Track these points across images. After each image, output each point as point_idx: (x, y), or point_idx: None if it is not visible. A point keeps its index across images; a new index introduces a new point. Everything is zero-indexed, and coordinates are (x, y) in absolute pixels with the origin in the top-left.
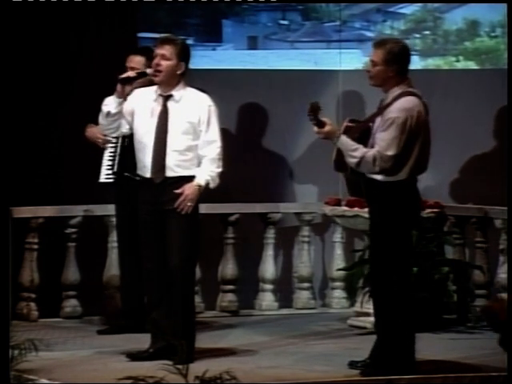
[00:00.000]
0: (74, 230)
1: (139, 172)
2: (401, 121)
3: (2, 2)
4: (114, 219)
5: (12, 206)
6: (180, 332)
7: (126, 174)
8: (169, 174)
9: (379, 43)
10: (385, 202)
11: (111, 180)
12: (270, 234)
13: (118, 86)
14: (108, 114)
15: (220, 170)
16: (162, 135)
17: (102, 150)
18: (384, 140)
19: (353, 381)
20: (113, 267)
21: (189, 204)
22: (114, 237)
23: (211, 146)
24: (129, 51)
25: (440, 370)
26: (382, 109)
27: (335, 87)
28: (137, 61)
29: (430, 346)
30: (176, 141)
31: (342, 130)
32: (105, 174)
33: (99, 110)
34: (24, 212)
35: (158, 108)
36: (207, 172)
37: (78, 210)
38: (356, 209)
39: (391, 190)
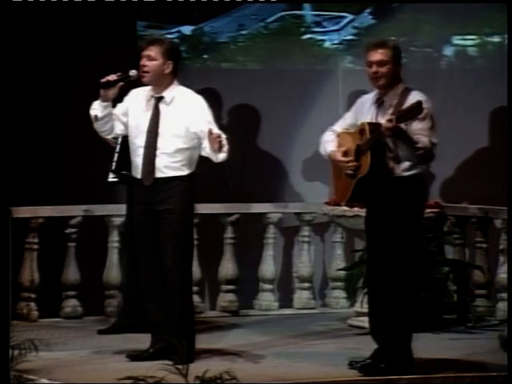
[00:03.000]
0: (74, 230)
1: (133, 173)
2: (431, 110)
3: (1, 2)
4: (114, 219)
5: (12, 205)
6: (179, 332)
7: (124, 172)
8: (158, 175)
9: (381, 43)
10: (398, 199)
11: (115, 179)
12: (270, 234)
13: (101, 91)
14: (95, 118)
15: (228, 147)
16: (152, 137)
17: (101, 150)
18: (425, 129)
19: (353, 381)
20: (113, 267)
21: (222, 140)
22: (114, 237)
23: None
24: (135, 49)
25: (440, 369)
26: (396, 107)
27: (335, 87)
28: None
29: (430, 346)
30: (166, 143)
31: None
32: (111, 174)
33: None
34: (24, 212)
35: (150, 110)
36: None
37: (78, 210)
38: (356, 209)
39: (407, 185)
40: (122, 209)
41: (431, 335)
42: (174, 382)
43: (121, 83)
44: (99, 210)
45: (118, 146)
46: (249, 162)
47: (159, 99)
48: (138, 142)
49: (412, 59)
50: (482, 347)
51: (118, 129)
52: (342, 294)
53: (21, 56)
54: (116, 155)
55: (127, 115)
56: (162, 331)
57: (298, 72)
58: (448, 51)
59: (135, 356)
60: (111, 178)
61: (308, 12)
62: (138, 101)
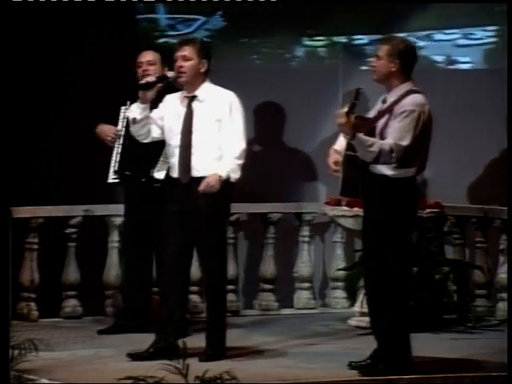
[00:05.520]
0: (74, 230)
1: (170, 173)
2: (416, 114)
3: (1, 2)
4: (114, 219)
5: (12, 205)
6: (217, 327)
7: (127, 172)
8: (195, 174)
9: (385, 39)
10: (389, 199)
11: (116, 180)
12: (270, 234)
13: (140, 93)
14: (134, 120)
15: (241, 162)
16: (187, 136)
17: (102, 150)
18: (399, 131)
19: (353, 381)
20: (113, 267)
21: (212, 190)
22: (114, 237)
23: (233, 139)
24: (135, 49)
25: (440, 369)
26: (390, 106)
27: (336, 87)
28: (154, 56)
29: (430, 346)
30: (202, 141)
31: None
32: (111, 175)
33: (99, 109)
34: (24, 212)
35: (184, 110)
36: (228, 164)
37: (78, 210)
38: (356, 209)
39: (398, 187)
40: (121, 209)
41: (431, 335)
42: (174, 382)
43: (159, 84)
44: (99, 209)
45: (121, 147)
46: (249, 161)
47: (192, 98)
48: (174, 143)
49: (265, 60)
50: (482, 347)
51: (155, 133)
52: (342, 294)
53: (21, 56)
54: (118, 156)
55: (163, 119)
56: (167, 332)
57: (299, 71)
58: (299, 52)
59: (135, 355)
60: (112, 178)
61: (162, 15)
62: (172, 104)
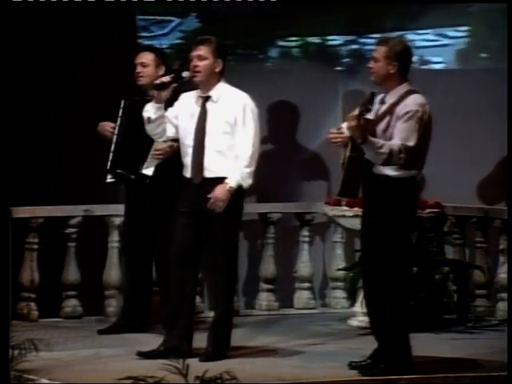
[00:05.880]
0: (74, 229)
1: (183, 172)
2: (419, 114)
3: (1, 2)
4: (114, 219)
5: (12, 205)
6: (223, 327)
7: (119, 170)
8: (207, 174)
9: (382, 40)
10: (390, 199)
11: (113, 179)
12: (270, 234)
13: (155, 92)
14: (148, 120)
15: (252, 169)
16: (200, 136)
17: (102, 150)
18: (405, 131)
19: (353, 381)
20: (113, 267)
21: (220, 205)
22: (114, 237)
23: (245, 145)
24: (134, 49)
25: (440, 369)
26: (391, 107)
27: (336, 87)
28: (147, 57)
29: (430, 346)
30: (215, 141)
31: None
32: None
33: (99, 109)
34: (24, 212)
35: (198, 109)
36: (238, 173)
37: (78, 210)
38: (356, 209)
39: (399, 187)
40: (121, 209)
41: (431, 335)
42: (174, 382)
43: (174, 84)
44: (99, 209)
45: (113, 146)
46: None
47: (206, 98)
48: (188, 142)
49: (239, 60)
50: (482, 347)
51: (170, 132)
52: (342, 294)
53: (21, 56)
54: (111, 155)
55: (178, 118)
56: (172, 331)
57: (298, 70)
58: (273, 52)
59: (145, 354)
60: (109, 178)
61: (136, 17)
62: (187, 103)
